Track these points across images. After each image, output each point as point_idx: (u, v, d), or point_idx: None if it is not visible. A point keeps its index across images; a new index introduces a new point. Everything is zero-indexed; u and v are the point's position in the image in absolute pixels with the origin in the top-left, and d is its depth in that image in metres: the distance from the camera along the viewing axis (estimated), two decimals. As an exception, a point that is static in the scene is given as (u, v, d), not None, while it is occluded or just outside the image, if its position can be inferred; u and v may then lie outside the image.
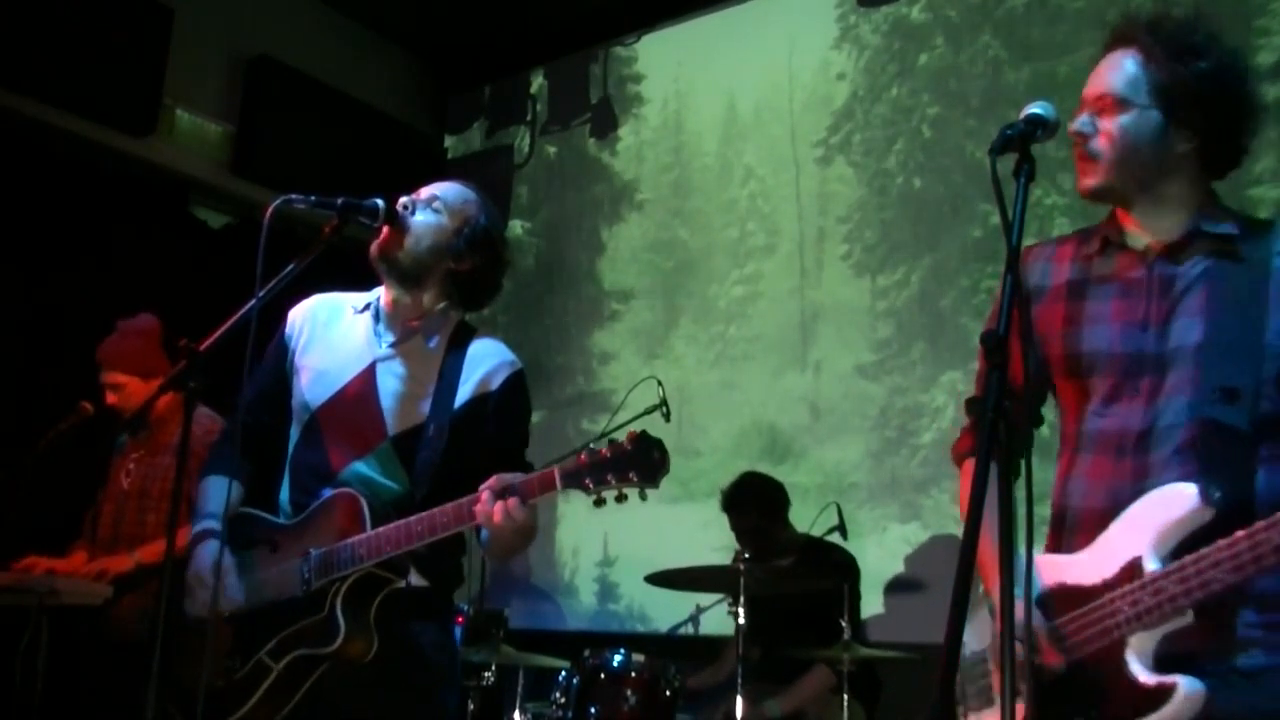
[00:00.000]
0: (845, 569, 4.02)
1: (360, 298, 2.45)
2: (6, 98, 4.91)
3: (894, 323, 5.07)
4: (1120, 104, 1.85)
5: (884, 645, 3.80)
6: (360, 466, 2.26)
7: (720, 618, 4.10)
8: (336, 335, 2.40)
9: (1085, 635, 1.73)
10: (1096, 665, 1.72)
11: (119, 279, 4.92)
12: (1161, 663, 1.66)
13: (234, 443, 2.41)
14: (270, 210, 2.15)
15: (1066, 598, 1.76)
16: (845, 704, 3.57)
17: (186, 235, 5.66)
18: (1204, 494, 1.65)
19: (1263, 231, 1.84)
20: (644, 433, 2.01)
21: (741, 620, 3.47)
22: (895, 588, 4.65)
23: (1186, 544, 1.66)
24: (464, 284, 2.37)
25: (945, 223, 4.99)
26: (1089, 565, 1.77)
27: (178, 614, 2.26)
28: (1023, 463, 1.54)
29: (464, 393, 2.30)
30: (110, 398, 3.77)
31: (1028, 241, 1.79)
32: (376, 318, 2.38)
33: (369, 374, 2.32)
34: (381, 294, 2.41)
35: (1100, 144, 1.87)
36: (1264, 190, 4.15)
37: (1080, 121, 1.88)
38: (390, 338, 2.35)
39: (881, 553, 4.72)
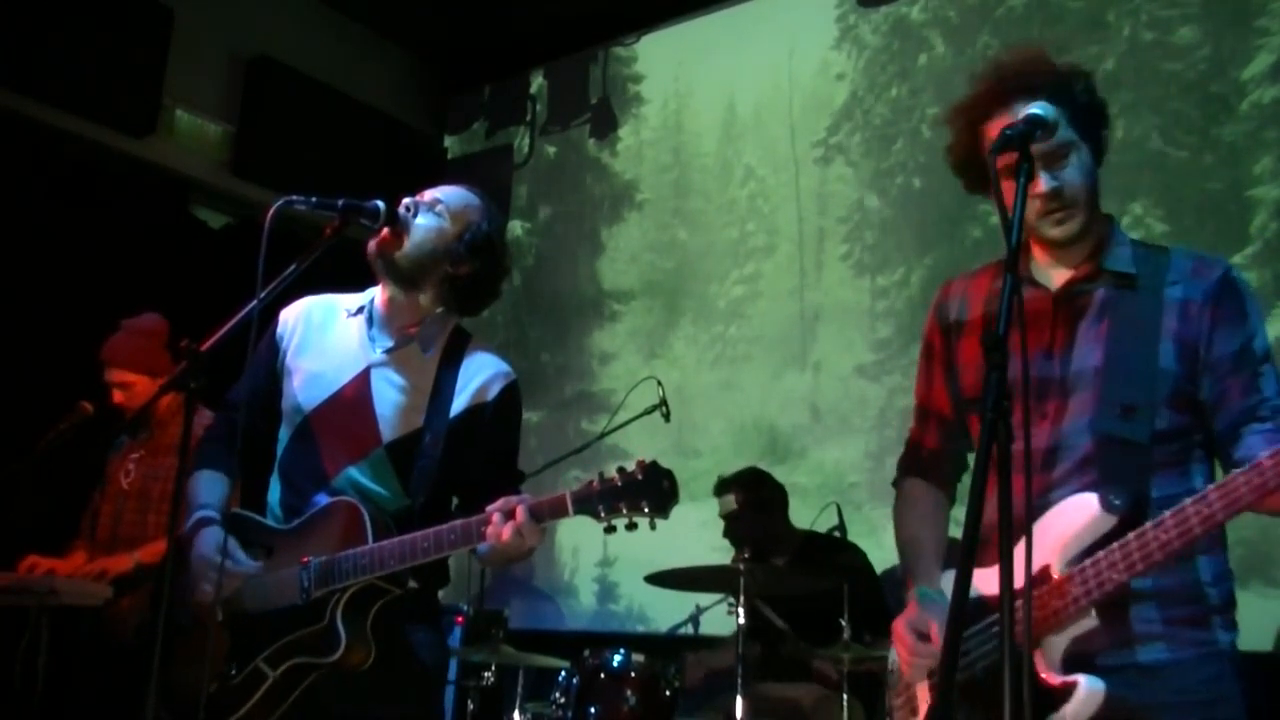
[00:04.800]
0: (851, 566, 4.01)
1: (353, 299, 2.44)
2: (6, 98, 4.91)
3: (894, 323, 5.07)
4: (1067, 147, 1.91)
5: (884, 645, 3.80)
6: (353, 472, 2.26)
7: (720, 618, 4.10)
8: (330, 338, 2.39)
9: (992, 644, 1.82)
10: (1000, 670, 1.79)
11: (119, 279, 4.92)
12: (1068, 663, 1.76)
13: (226, 440, 2.41)
14: (271, 211, 2.15)
15: (981, 609, 1.85)
16: (845, 704, 3.56)
17: (186, 235, 5.66)
18: (1104, 502, 1.77)
19: (1158, 261, 1.95)
20: (654, 462, 2.02)
21: (741, 620, 3.47)
22: (895, 588, 4.64)
23: (1092, 550, 1.77)
24: (461, 288, 2.35)
25: (945, 223, 4.99)
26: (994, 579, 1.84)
27: (173, 616, 2.26)
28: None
29: (460, 402, 2.29)
30: (117, 396, 3.76)
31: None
32: (370, 321, 2.37)
33: (364, 379, 2.31)
34: (376, 295, 2.40)
35: (1073, 190, 1.91)
36: (1264, 190, 4.15)
37: (1047, 180, 1.90)
38: (386, 343, 2.34)
39: (881, 553, 4.70)
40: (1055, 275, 2.00)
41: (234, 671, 2.19)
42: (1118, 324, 1.92)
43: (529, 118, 6.68)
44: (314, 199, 2.21)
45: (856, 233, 5.29)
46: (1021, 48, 2.03)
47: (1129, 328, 1.91)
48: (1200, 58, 4.41)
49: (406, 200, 2.33)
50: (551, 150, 6.60)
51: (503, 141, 6.74)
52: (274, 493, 2.36)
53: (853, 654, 3.53)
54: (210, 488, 2.35)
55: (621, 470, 2.02)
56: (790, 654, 3.86)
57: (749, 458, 4.99)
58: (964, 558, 1.49)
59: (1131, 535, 1.70)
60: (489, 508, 2.06)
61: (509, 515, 2.03)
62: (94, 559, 3.68)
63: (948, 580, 1.98)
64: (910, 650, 1.93)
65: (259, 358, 2.41)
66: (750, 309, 5.58)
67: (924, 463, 2.19)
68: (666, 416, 4.57)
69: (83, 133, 5.19)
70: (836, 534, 4.37)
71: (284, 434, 2.36)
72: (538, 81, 6.70)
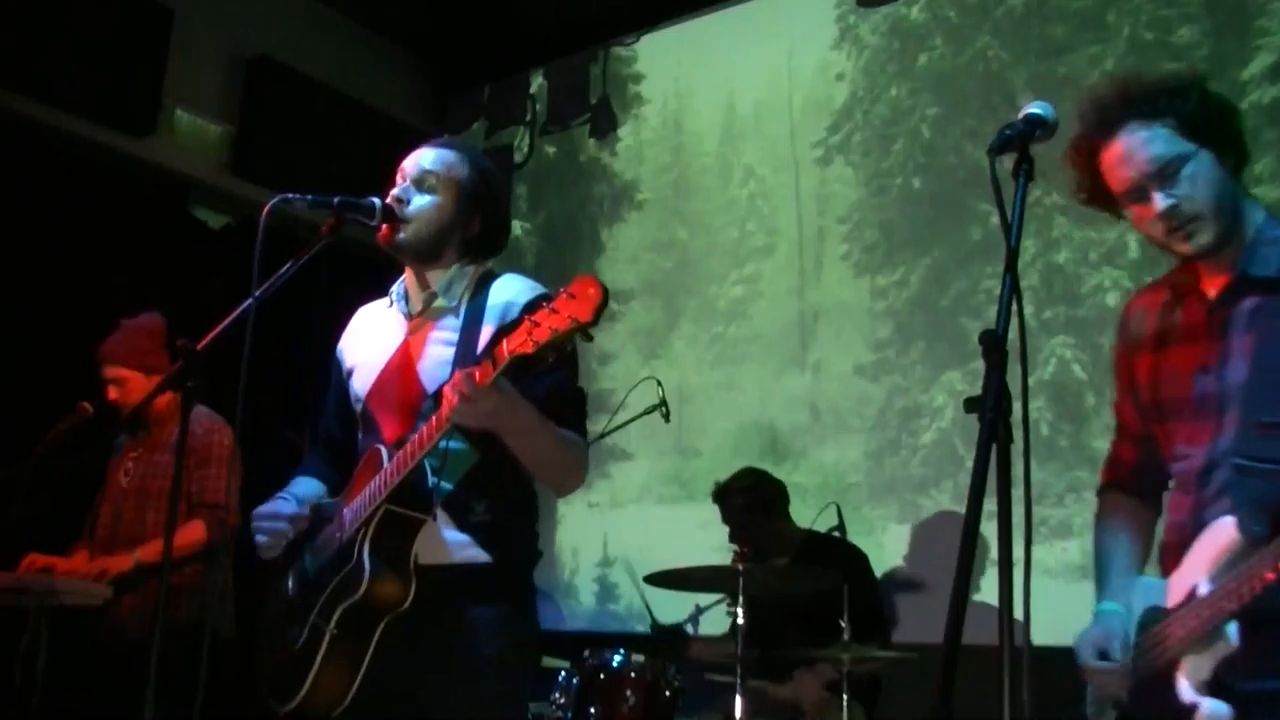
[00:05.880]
0: (852, 564, 4.01)
1: (388, 297, 2.47)
2: (6, 98, 4.91)
3: (893, 323, 5.07)
4: (1177, 161, 1.88)
5: (884, 645, 3.80)
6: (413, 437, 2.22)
7: (721, 618, 4.10)
8: (373, 331, 2.43)
9: (1151, 655, 1.86)
10: (1155, 683, 1.83)
11: (119, 279, 4.92)
12: (1215, 686, 1.75)
13: (324, 459, 2.47)
14: (266, 209, 2.15)
15: (1157, 617, 1.90)
16: (845, 704, 3.56)
17: (186, 235, 5.65)
18: (1241, 527, 1.76)
19: None
20: (583, 274, 1.87)
21: (741, 620, 3.47)
22: (895, 588, 4.65)
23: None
24: (478, 242, 2.36)
25: (945, 223, 4.99)
26: (1171, 591, 1.89)
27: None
28: (1021, 464, 1.55)
29: (486, 334, 2.25)
30: (111, 393, 3.77)
31: (1026, 243, 1.84)
32: (404, 299, 2.39)
33: (403, 349, 2.33)
34: (405, 276, 2.41)
35: (1192, 203, 1.88)
36: (1264, 190, 4.14)
37: (1162, 199, 1.89)
38: (416, 309, 2.36)
39: (881, 553, 4.72)
40: (1211, 285, 1.97)
41: (298, 635, 2.19)
42: (1266, 334, 1.87)
43: (529, 118, 6.68)
44: (310, 197, 2.22)
45: (856, 233, 5.29)
46: (1120, 75, 2.03)
47: (1277, 337, 1.85)
48: (1200, 58, 4.41)
49: (396, 190, 2.30)
50: (551, 150, 6.60)
51: (503, 141, 6.73)
52: None
53: (853, 654, 3.53)
54: (297, 486, 2.38)
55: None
56: (783, 655, 3.85)
57: (749, 458, 4.99)
58: (962, 558, 1.48)
59: (1255, 557, 1.69)
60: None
61: (454, 387, 1.96)
62: (95, 558, 3.68)
63: (1140, 588, 1.99)
64: (1089, 669, 1.93)
65: (331, 381, 2.48)
66: (750, 309, 5.58)
67: (1122, 475, 2.19)
68: (666, 416, 4.57)
69: (83, 133, 5.18)
70: (836, 534, 4.37)
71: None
72: (538, 81, 6.69)
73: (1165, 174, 1.88)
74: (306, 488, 2.39)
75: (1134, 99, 1.93)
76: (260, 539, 2.23)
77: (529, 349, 1.85)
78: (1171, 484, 2.08)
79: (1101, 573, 2.08)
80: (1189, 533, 1.88)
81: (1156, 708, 1.83)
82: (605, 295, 1.81)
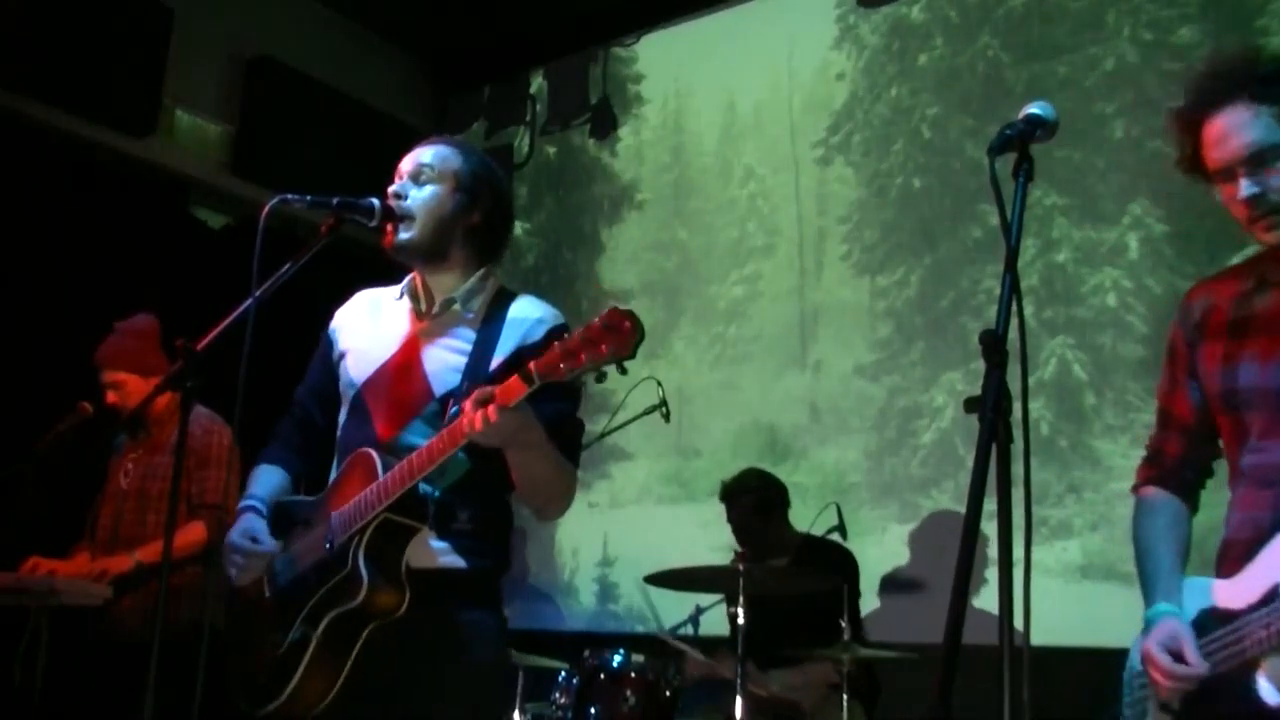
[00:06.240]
0: (844, 568, 4.02)
1: (397, 288, 2.45)
2: (6, 98, 4.91)
3: (893, 323, 5.07)
4: (1276, 149, 1.85)
5: (884, 645, 3.80)
6: (408, 436, 2.21)
7: (720, 618, 4.10)
8: (378, 319, 2.41)
9: (1219, 656, 1.80)
10: (1226, 685, 1.78)
11: (119, 279, 4.92)
12: None
13: (289, 436, 2.44)
14: (266, 209, 2.15)
15: (1214, 620, 1.85)
16: (845, 704, 3.56)
17: (186, 235, 5.65)
18: None
19: None
20: (615, 307, 1.88)
21: (741, 620, 3.47)
22: (895, 588, 4.65)
23: None
24: (483, 235, 2.35)
25: (945, 223, 4.99)
26: (1237, 590, 1.83)
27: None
28: (1023, 465, 1.54)
29: (502, 352, 2.24)
30: (111, 396, 3.77)
31: (1026, 242, 1.82)
32: (415, 298, 2.38)
33: (411, 345, 2.31)
34: (414, 275, 2.40)
35: (1279, 194, 1.84)
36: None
37: (1247, 185, 1.86)
38: (429, 310, 2.34)
39: (881, 553, 4.72)
40: None
41: (282, 640, 2.17)
42: None
43: (529, 118, 6.68)
44: (309, 197, 2.21)
45: (856, 233, 5.29)
46: (1229, 49, 1.98)
47: None
48: (1200, 58, 4.39)
49: (394, 188, 2.31)
50: (551, 150, 6.60)
51: (503, 142, 6.73)
52: (334, 471, 2.35)
53: (852, 654, 3.53)
54: (262, 481, 2.36)
55: (587, 324, 1.90)
56: (782, 655, 3.85)
57: (749, 458, 4.99)
58: (962, 558, 1.48)
59: None
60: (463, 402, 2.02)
61: (480, 403, 1.95)
62: (96, 559, 3.68)
63: (1188, 589, 1.94)
64: (1166, 673, 1.84)
65: (316, 358, 2.45)
66: (750, 309, 5.58)
67: (1165, 470, 2.11)
68: (666, 416, 4.57)
69: (83, 133, 5.18)
70: (835, 534, 4.37)
71: (343, 415, 2.36)
72: (538, 81, 6.69)
73: (1260, 160, 1.84)
74: (266, 481, 2.36)
75: (1245, 77, 1.89)
76: (231, 572, 2.22)
77: (562, 375, 1.86)
78: (1210, 479, 2.05)
79: (1150, 575, 2.00)
80: (1267, 530, 1.82)
81: (1223, 710, 1.78)
82: (642, 330, 1.84)
